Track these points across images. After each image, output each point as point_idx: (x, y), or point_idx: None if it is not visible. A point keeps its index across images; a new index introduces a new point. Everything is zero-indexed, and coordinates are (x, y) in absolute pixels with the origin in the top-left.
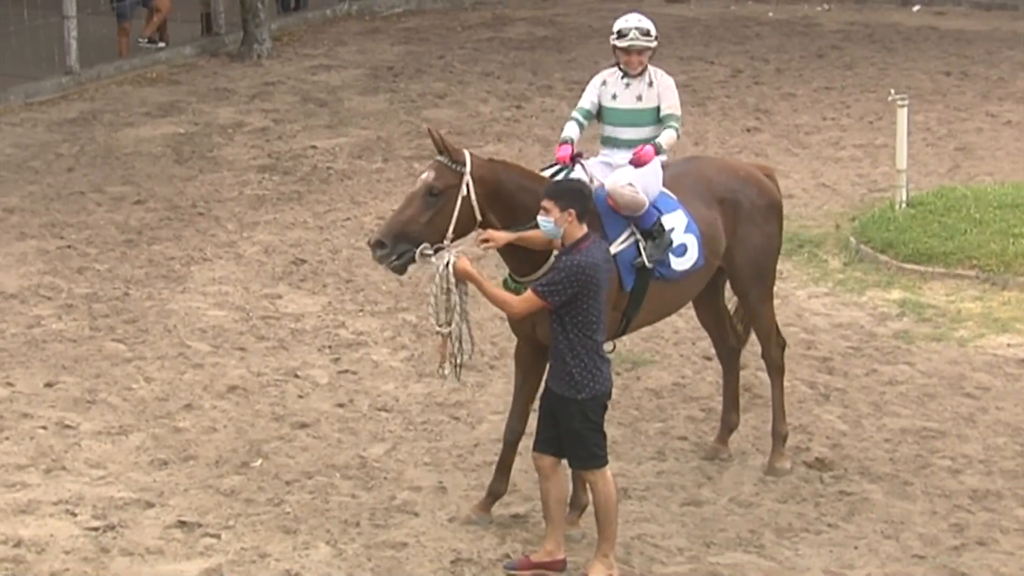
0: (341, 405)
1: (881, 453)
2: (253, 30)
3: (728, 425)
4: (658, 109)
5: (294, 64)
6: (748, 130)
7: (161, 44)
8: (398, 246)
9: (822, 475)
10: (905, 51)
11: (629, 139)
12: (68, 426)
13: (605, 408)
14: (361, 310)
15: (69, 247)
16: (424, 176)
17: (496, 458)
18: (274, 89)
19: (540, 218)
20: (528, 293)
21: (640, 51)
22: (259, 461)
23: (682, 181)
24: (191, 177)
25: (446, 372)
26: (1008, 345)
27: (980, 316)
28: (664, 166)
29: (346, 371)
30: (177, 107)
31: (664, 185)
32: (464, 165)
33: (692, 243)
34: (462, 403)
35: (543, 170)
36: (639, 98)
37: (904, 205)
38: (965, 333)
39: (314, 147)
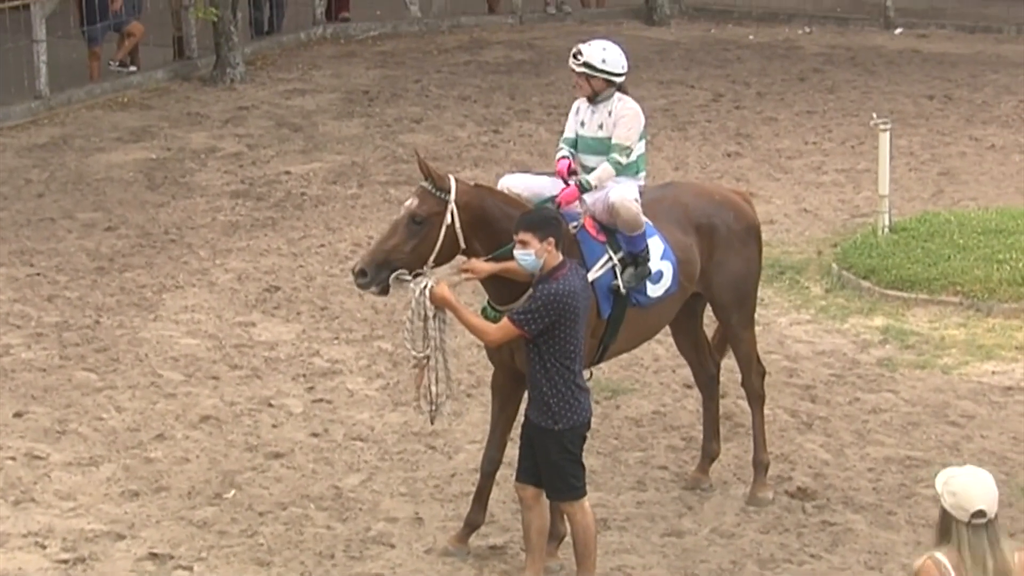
0: (316, 435)
1: (864, 483)
2: (226, 54)
3: (709, 454)
4: None
5: (268, 88)
6: (729, 155)
7: (132, 68)
8: (380, 274)
9: (804, 505)
10: (888, 74)
11: (592, 167)
12: (37, 457)
13: (584, 439)
14: (336, 338)
15: (39, 274)
16: (408, 203)
17: (474, 488)
18: (248, 114)
19: (519, 252)
20: (504, 322)
21: (579, 75)
22: (232, 492)
23: (658, 207)
24: (163, 203)
25: (423, 408)
26: (993, 372)
27: (964, 343)
28: (640, 192)
29: (321, 400)
30: (149, 132)
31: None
32: (448, 192)
33: (667, 269)
34: (439, 432)
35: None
36: (600, 127)
37: (887, 231)
38: (949, 360)
39: (288, 172)
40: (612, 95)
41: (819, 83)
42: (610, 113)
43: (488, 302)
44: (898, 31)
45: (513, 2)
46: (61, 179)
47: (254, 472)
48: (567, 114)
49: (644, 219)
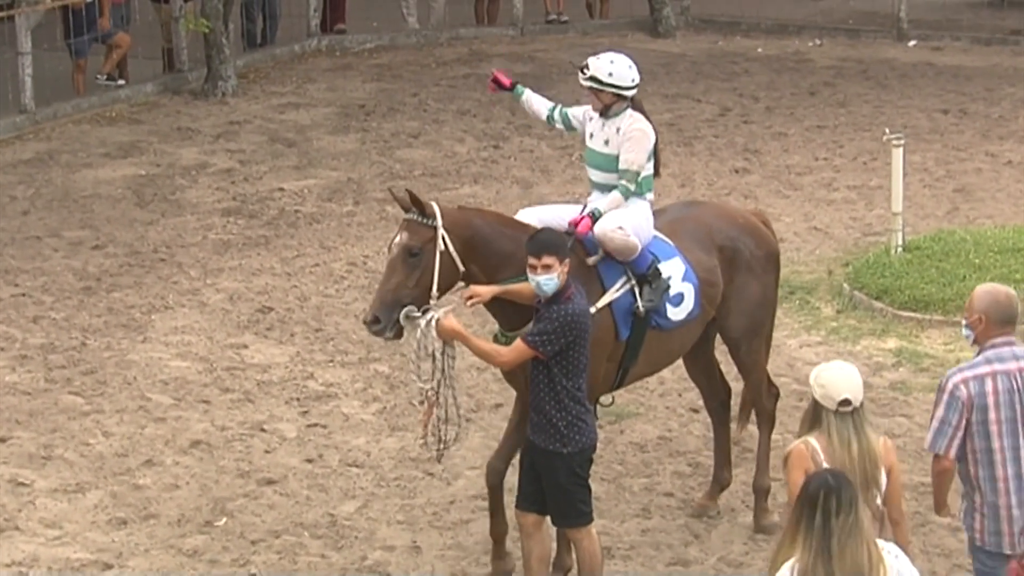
0: (310, 460)
1: None
2: (218, 67)
3: (720, 482)
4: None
5: (261, 102)
6: (737, 171)
7: (120, 81)
8: (392, 316)
9: None
10: (901, 88)
11: (597, 182)
12: (22, 483)
13: (591, 462)
14: (331, 360)
15: (24, 295)
16: (398, 239)
17: (473, 516)
18: (240, 128)
19: (542, 277)
20: (518, 343)
21: (588, 89)
22: (224, 520)
23: (681, 227)
24: (152, 221)
25: (430, 447)
26: None
27: None
28: (661, 211)
29: (315, 425)
30: (138, 147)
31: (662, 231)
32: (435, 218)
33: (689, 291)
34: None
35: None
36: (606, 142)
37: (900, 249)
38: None
39: (282, 189)
40: (624, 110)
41: (830, 97)
42: (618, 130)
43: (499, 331)
44: (911, 43)
45: (513, 13)
46: (47, 196)
47: (246, 499)
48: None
49: (635, 240)
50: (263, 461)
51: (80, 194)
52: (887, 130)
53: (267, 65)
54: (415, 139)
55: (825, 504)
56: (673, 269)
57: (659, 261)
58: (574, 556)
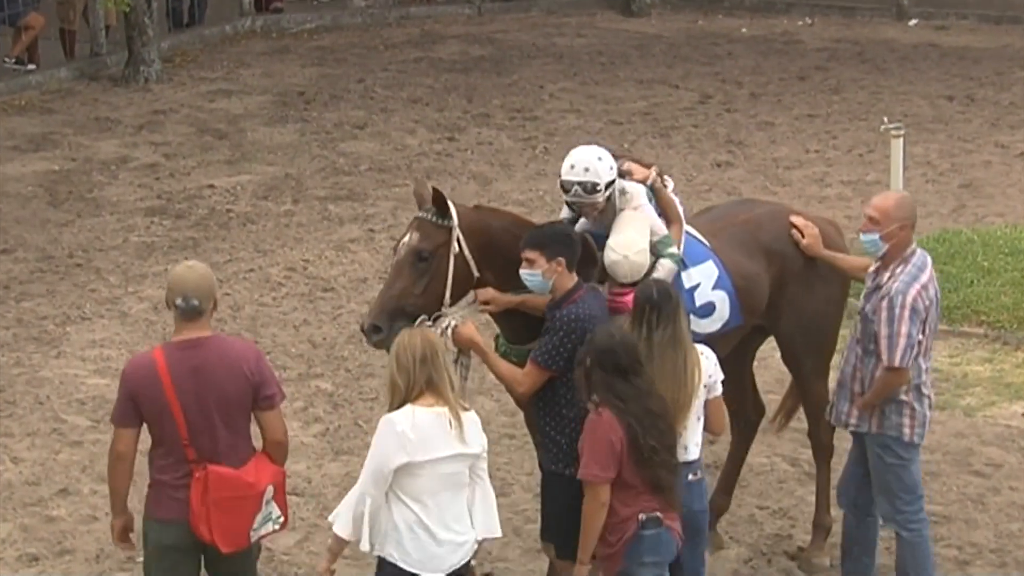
0: None
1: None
2: (140, 50)
3: (716, 509)
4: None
5: (188, 89)
6: (719, 165)
7: (31, 66)
8: (395, 325)
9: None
10: (901, 72)
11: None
12: None
13: None
14: None
15: None
16: (407, 239)
17: None
18: (165, 118)
19: (524, 271)
20: (530, 368)
21: (588, 205)
22: None
23: (723, 227)
24: (67, 222)
25: None
26: (1022, 414)
27: (990, 381)
28: (707, 209)
29: None
30: (51, 140)
31: (700, 230)
32: (451, 218)
33: (722, 300)
34: None
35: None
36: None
37: None
38: (973, 401)
39: (212, 186)
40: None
41: (822, 83)
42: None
43: (498, 336)
44: (913, 22)
45: None
46: None
47: None
48: (532, 119)
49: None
50: None
51: None
52: (885, 119)
53: (195, 48)
54: (361, 130)
55: (648, 317)
56: (704, 274)
57: (686, 266)
58: None
